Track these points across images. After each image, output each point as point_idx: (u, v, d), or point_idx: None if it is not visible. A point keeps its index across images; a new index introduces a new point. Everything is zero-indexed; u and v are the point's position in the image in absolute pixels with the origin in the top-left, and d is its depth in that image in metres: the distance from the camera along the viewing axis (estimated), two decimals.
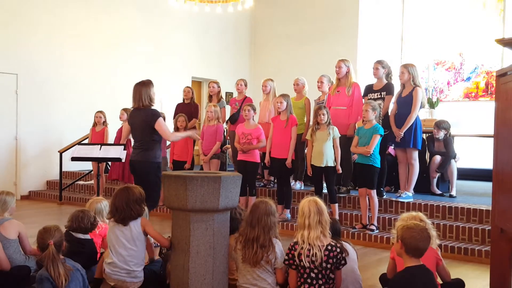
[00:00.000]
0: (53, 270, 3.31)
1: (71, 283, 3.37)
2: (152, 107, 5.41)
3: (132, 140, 5.72)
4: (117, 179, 8.38)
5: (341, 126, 6.47)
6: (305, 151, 7.68)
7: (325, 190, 6.59)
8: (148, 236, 4.16)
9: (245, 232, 3.60)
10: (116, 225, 3.85)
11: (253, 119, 6.91)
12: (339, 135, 6.30)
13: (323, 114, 6.20)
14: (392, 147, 7.04)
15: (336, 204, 6.38)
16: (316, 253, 3.36)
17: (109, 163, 8.57)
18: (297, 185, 7.43)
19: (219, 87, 8.33)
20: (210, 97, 8.40)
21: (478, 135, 8.60)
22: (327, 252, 3.38)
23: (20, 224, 4.20)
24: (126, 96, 5.47)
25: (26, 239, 4.21)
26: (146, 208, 4.06)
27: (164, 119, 6.20)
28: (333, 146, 6.25)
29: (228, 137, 8.20)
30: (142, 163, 5.33)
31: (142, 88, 5.35)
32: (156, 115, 5.32)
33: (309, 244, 3.39)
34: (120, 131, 8.43)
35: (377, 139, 5.96)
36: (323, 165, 6.25)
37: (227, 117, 8.31)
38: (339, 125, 6.43)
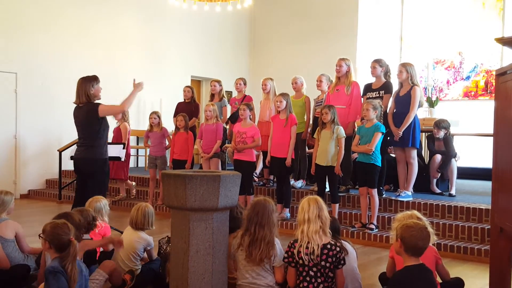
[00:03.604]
0: (71, 269, 3.18)
1: (78, 283, 3.37)
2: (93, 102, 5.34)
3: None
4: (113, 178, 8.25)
5: (341, 125, 6.46)
6: (306, 149, 7.70)
7: (327, 189, 6.59)
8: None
9: (252, 232, 3.56)
10: None
11: (249, 118, 6.92)
12: (345, 136, 6.27)
13: (326, 113, 6.20)
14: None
15: (337, 205, 6.38)
16: (313, 247, 3.36)
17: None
18: (298, 184, 7.43)
19: (220, 86, 8.33)
20: (212, 96, 8.39)
21: (478, 134, 8.61)
22: (326, 251, 3.38)
23: (17, 224, 4.18)
24: (125, 95, 5.45)
25: (23, 239, 4.20)
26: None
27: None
28: (337, 146, 6.23)
29: (229, 136, 8.19)
30: (88, 160, 5.25)
31: (81, 85, 5.29)
32: (96, 104, 5.26)
33: (308, 237, 3.39)
34: (115, 131, 8.40)
35: (378, 137, 5.94)
36: (325, 164, 6.24)
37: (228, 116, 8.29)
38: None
